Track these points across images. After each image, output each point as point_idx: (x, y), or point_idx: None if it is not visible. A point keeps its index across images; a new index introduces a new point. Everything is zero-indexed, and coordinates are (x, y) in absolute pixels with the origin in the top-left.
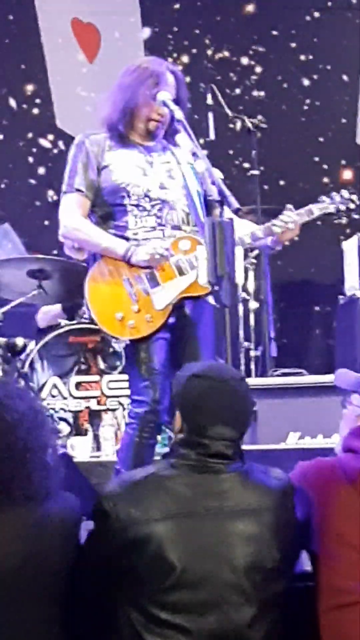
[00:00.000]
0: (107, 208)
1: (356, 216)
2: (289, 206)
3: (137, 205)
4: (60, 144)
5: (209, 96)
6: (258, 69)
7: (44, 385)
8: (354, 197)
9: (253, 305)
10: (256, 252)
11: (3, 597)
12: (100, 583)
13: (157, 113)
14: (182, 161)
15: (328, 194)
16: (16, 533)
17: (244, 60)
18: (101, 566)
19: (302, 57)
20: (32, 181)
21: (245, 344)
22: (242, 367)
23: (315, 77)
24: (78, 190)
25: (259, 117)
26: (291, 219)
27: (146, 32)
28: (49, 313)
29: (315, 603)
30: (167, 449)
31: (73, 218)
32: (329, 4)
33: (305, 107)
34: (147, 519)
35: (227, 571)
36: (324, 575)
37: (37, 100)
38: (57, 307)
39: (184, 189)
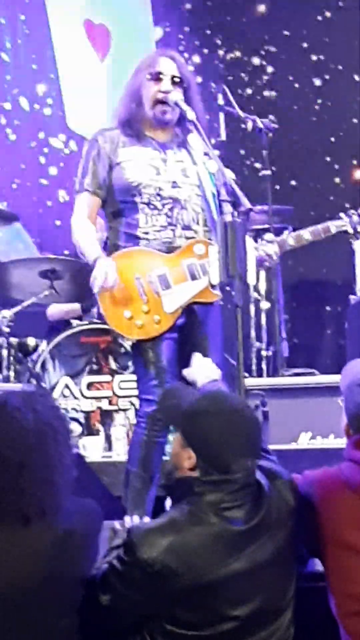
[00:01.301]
0: (118, 205)
1: None
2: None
3: (148, 204)
4: (72, 144)
5: (220, 96)
6: (269, 69)
7: (55, 385)
8: None
9: (264, 305)
10: None
11: (25, 612)
12: (135, 623)
13: (160, 91)
14: (197, 160)
15: (346, 212)
16: (35, 551)
17: (256, 60)
18: (138, 610)
19: (314, 57)
20: (44, 181)
21: (257, 344)
22: (254, 367)
23: (326, 77)
24: (87, 190)
25: (270, 117)
26: (306, 237)
27: (158, 32)
28: (60, 308)
29: (330, 605)
30: None
31: (77, 220)
32: (341, 4)
33: (317, 107)
34: (186, 573)
35: (273, 598)
36: (335, 581)
37: (49, 101)
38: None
39: (199, 188)
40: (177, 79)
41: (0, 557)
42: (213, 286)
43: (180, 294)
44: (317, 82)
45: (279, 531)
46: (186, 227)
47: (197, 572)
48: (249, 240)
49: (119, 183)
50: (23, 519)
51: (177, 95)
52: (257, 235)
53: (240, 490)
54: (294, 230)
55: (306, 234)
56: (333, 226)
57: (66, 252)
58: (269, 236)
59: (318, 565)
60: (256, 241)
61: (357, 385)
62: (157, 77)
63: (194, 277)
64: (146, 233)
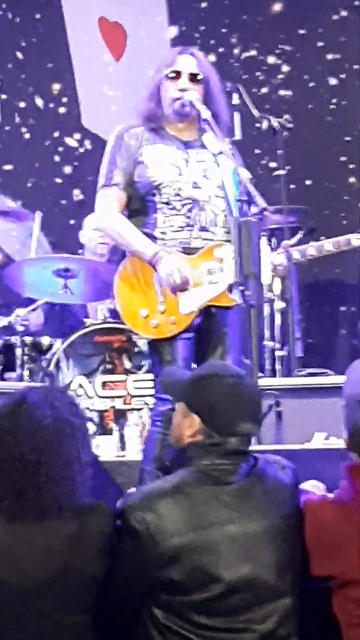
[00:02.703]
0: (138, 203)
1: None
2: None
3: (167, 204)
4: (87, 143)
5: (235, 95)
6: (285, 68)
7: (69, 384)
8: None
9: (279, 305)
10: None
11: (37, 608)
12: (133, 598)
13: (177, 89)
14: (220, 160)
15: None
16: (49, 546)
17: (271, 59)
18: (135, 583)
19: (329, 56)
20: (58, 180)
21: (271, 343)
22: (268, 367)
23: (342, 76)
24: (117, 184)
25: (286, 116)
26: (327, 249)
27: (173, 30)
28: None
29: (335, 608)
30: None
31: (109, 214)
32: (357, 2)
33: (332, 107)
34: (178, 532)
35: (264, 572)
36: (339, 597)
37: (64, 99)
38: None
39: (220, 189)
40: (195, 77)
41: (17, 552)
42: (231, 289)
43: (197, 296)
44: (333, 81)
45: (271, 509)
46: (204, 229)
47: (186, 532)
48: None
49: (140, 181)
50: (40, 515)
51: (193, 94)
52: (272, 234)
53: (231, 455)
54: (308, 230)
55: (328, 245)
56: (355, 239)
57: (80, 251)
58: (284, 243)
59: None
60: (270, 240)
61: (357, 402)
62: (174, 76)
63: (212, 281)
64: (163, 233)
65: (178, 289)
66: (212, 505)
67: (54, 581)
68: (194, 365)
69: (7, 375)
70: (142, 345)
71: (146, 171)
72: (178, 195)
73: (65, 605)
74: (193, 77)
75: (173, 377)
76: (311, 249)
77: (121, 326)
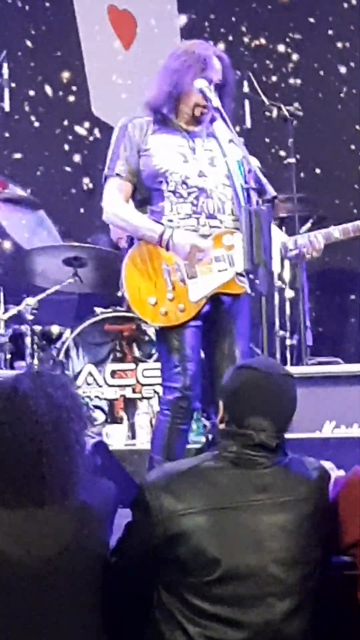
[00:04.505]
0: (145, 192)
1: None
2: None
3: (174, 192)
4: (96, 131)
5: (245, 84)
6: (295, 57)
7: (79, 373)
8: None
9: (289, 293)
10: None
11: (45, 587)
12: (140, 574)
13: (203, 99)
14: (226, 150)
15: None
16: (55, 524)
17: (281, 48)
18: (141, 557)
19: (339, 45)
20: (68, 169)
21: (281, 332)
22: (278, 356)
23: (352, 64)
24: (119, 174)
25: (296, 104)
26: (335, 236)
27: (182, 19)
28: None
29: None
30: (201, 437)
31: (113, 203)
32: None
33: (342, 95)
34: (189, 512)
35: (270, 565)
36: None
37: (73, 88)
38: None
39: (227, 178)
40: (219, 82)
41: (23, 530)
42: (239, 276)
43: (206, 284)
44: (343, 69)
45: (291, 505)
46: (211, 216)
47: (198, 514)
48: (277, 231)
49: (146, 170)
50: (42, 502)
51: (202, 82)
52: (282, 223)
53: (255, 448)
54: (318, 219)
55: (336, 232)
56: None
57: (89, 239)
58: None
59: None
60: (280, 229)
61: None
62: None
63: (220, 268)
64: (171, 221)
65: (197, 257)
66: (230, 490)
67: (60, 559)
68: (202, 354)
69: (17, 364)
70: (152, 333)
71: (151, 160)
72: (185, 183)
73: (72, 584)
74: (216, 85)
75: None
76: (320, 237)
77: (131, 315)
